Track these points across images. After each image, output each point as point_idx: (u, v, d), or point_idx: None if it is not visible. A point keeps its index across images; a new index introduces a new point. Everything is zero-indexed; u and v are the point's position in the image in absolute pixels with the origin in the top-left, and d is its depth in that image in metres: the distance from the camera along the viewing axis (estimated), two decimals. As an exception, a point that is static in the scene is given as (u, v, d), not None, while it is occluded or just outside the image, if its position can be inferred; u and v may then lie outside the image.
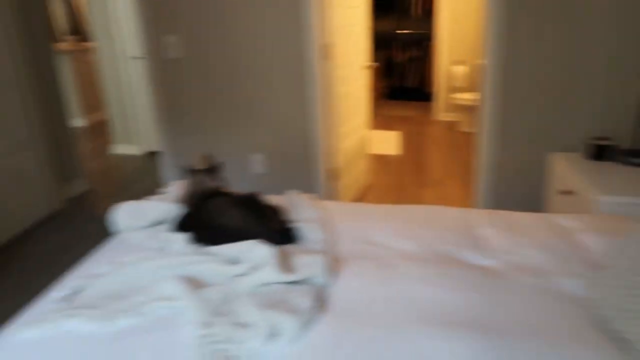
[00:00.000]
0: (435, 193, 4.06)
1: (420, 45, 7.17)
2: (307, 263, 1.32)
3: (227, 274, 1.32)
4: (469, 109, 5.73)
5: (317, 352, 1.08)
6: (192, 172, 1.79)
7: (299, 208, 1.75)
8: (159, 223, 1.68)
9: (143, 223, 1.64)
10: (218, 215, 1.52)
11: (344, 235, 1.63)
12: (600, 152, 2.42)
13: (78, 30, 6.07)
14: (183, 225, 1.61)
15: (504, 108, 2.79)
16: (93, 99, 6.25)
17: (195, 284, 1.27)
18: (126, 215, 1.68)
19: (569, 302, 1.25)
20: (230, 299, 1.23)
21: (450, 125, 6.14)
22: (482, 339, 1.10)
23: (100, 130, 5.81)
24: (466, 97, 5.63)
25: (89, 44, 6.13)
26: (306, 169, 3.20)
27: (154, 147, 4.95)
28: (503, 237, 1.63)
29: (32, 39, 3.34)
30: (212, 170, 1.80)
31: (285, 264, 1.29)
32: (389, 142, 5.36)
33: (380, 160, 4.84)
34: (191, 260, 1.38)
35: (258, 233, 1.47)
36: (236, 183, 3.28)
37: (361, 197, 3.93)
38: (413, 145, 5.38)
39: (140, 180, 4.30)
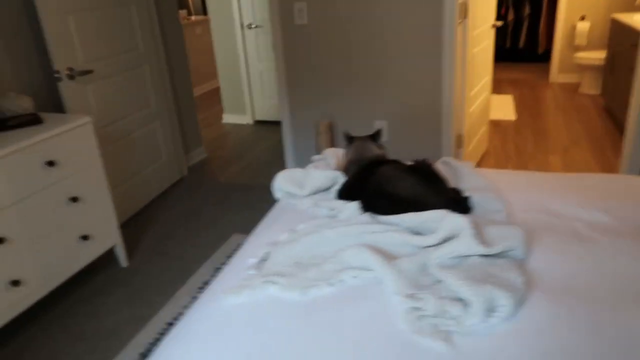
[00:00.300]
0: (563, 160, 3.77)
1: (533, 1, 6.61)
2: (504, 235, 1.23)
3: (416, 244, 1.26)
4: (593, 69, 5.23)
5: (534, 330, 1.00)
6: (355, 139, 1.74)
7: (463, 176, 1.65)
8: (321, 190, 1.66)
9: (306, 191, 1.63)
10: (389, 184, 1.46)
11: (521, 205, 1.51)
12: None
13: (182, 5, 6.24)
14: (347, 193, 1.58)
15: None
16: (202, 70, 6.46)
17: (382, 254, 1.23)
18: (288, 182, 1.68)
19: None
20: (426, 271, 1.18)
21: (569, 88, 5.66)
22: None
23: (210, 100, 6.00)
24: (590, 57, 5.13)
25: (193, 18, 6.32)
26: (432, 136, 3.07)
27: (263, 116, 5.03)
28: None
29: (162, 11, 3.44)
30: (375, 136, 1.74)
31: (480, 236, 1.21)
32: (502, 107, 5.04)
33: (495, 126, 4.57)
34: (373, 229, 1.34)
35: (433, 202, 1.39)
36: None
37: (479, 165, 3.74)
38: (528, 110, 5.02)
39: (253, 148, 4.39)
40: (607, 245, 1.28)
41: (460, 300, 1.06)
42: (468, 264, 1.17)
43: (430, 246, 1.25)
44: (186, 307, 2.28)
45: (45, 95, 2.63)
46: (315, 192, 1.65)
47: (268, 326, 1.06)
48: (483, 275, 1.10)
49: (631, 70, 3.78)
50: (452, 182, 1.60)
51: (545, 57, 6.72)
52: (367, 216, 1.42)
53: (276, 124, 4.97)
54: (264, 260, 1.28)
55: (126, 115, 3.06)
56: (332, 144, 3.19)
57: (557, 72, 5.85)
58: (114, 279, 2.55)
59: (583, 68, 5.34)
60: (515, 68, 6.62)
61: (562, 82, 5.85)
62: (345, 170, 1.67)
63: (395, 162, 1.56)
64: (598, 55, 5.07)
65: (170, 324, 2.17)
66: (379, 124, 3.12)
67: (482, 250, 1.18)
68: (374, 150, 1.69)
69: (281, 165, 3.92)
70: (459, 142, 3.12)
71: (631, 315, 1.02)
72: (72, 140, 2.21)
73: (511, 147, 4.07)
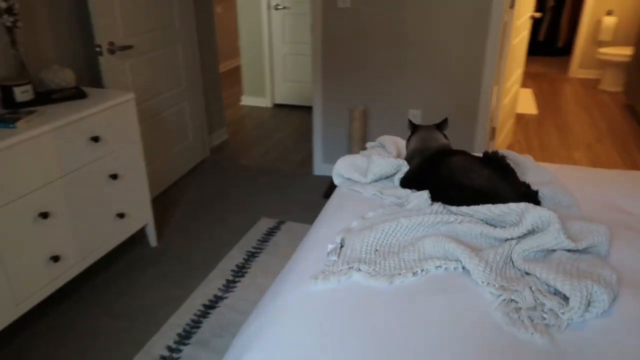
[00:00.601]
0: (587, 156, 3.77)
1: (556, -6, 6.55)
2: (587, 230, 1.21)
3: (496, 236, 1.25)
4: (615, 66, 5.20)
5: (626, 327, 0.99)
6: (420, 127, 1.72)
7: (528, 169, 1.63)
8: (383, 178, 1.64)
9: (369, 178, 1.61)
10: (463, 174, 1.44)
11: (588, 201, 1.50)
12: None
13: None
14: (412, 182, 1.56)
15: None
16: (220, 50, 6.38)
17: (464, 244, 1.21)
18: (349, 169, 1.66)
19: None
20: (510, 263, 1.17)
21: (589, 83, 5.63)
22: None
23: (227, 81, 5.93)
24: (615, 52, 5.10)
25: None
26: (466, 126, 3.05)
27: (283, 100, 4.98)
28: None
29: (192, -12, 3.38)
30: (441, 125, 1.72)
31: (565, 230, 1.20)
32: (523, 100, 5.01)
33: (518, 120, 4.55)
34: (448, 219, 1.32)
35: (507, 195, 1.38)
36: (388, 134, 3.20)
37: (508, 158, 3.72)
38: (549, 104, 5.00)
39: (275, 132, 4.35)
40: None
41: (555, 293, 1.05)
42: (553, 258, 1.16)
43: (511, 239, 1.23)
44: (221, 289, 2.27)
45: (83, 69, 2.58)
46: (378, 180, 1.63)
47: (359, 313, 1.04)
48: (576, 270, 1.09)
49: (663, 68, 3.75)
50: (519, 175, 1.58)
51: (564, 51, 6.68)
52: (439, 206, 1.41)
53: (296, 108, 4.93)
54: (341, 246, 1.27)
55: (159, 94, 3.01)
56: (366, 131, 3.16)
57: (577, 66, 5.82)
58: (145, 258, 2.53)
59: (605, 64, 5.30)
60: (534, 61, 6.58)
61: (582, 78, 5.82)
62: (409, 158, 1.65)
63: (464, 153, 1.54)
64: (624, 52, 5.03)
65: (206, 306, 2.16)
66: (413, 113, 3.10)
67: (570, 245, 1.16)
68: (440, 139, 1.66)
69: (306, 151, 3.89)
70: (492, 134, 3.09)
71: None
72: (115, 116, 2.17)
73: (535, 142, 4.05)
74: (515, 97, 3.62)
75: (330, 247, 1.27)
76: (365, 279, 1.14)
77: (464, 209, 1.37)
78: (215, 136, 4.01)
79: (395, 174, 1.62)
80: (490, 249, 1.20)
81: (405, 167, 1.61)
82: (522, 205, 1.27)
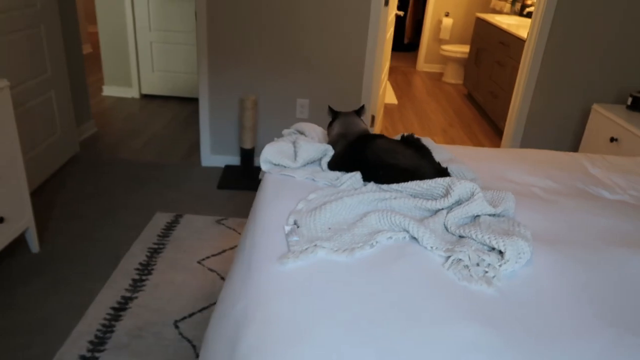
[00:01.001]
0: (444, 139, 4.29)
1: (401, -6, 7.21)
2: (499, 197, 1.45)
3: (429, 208, 1.42)
4: (455, 61, 5.95)
5: (547, 272, 1.23)
6: (340, 113, 1.82)
7: (432, 149, 1.85)
8: (311, 162, 1.72)
9: (298, 163, 1.68)
10: (389, 155, 1.59)
11: (484, 174, 1.77)
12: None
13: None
14: (340, 164, 1.67)
15: (545, 58, 3.00)
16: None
17: (406, 216, 1.36)
18: (278, 154, 1.70)
19: None
20: (446, 230, 1.34)
21: (434, 76, 6.35)
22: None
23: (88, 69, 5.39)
24: (454, 49, 5.83)
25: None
26: (351, 114, 3.26)
27: (152, 91, 4.72)
28: (617, 178, 1.85)
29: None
30: (359, 112, 1.84)
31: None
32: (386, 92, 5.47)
33: (383, 109, 4.96)
34: (384, 196, 1.46)
35: (427, 172, 1.56)
36: (279, 126, 3.28)
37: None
38: (406, 95, 5.54)
39: (149, 124, 4.13)
40: (565, 203, 1.59)
41: (491, 250, 1.25)
42: (480, 222, 1.36)
43: (441, 209, 1.41)
44: (128, 289, 2.15)
45: None
46: (305, 164, 1.71)
47: (334, 283, 1.12)
48: (502, 230, 1.30)
49: (497, 63, 4.43)
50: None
51: (409, 47, 7.41)
52: (372, 185, 1.54)
53: (167, 99, 4.72)
54: (297, 226, 1.32)
55: (22, 82, 2.67)
56: (256, 120, 3.19)
57: (423, 61, 6.51)
58: (28, 266, 2.27)
59: (447, 59, 6.03)
60: (386, 55, 7.17)
61: (428, 71, 6.53)
62: (333, 143, 1.75)
63: (384, 137, 1.69)
64: (461, 49, 5.78)
65: (116, 309, 2.03)
66: (301, 102, 3.21)
67: (491, 210, 1.38)
68: (360, 124, 1.79)
69: (188, 142, 3.78)
70: (372, 121, 3.36)
71: (610, 253, 1.31)
72: (-11, 106, 1.90)
73: (400, 128, 4.48)
74: (385, 88, 3.96)
75: (287, 228, 1.31)
76: (329, 254, 1.21)
77: (394, 186, 1.52)
78: (83, 129, 3.67)
79: (321, 158, 1.71)
80: (429, 219, 1.36)
81: (331, 152, 1.71)
82: (447, 179, 1.45)
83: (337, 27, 3.02)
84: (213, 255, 2.42)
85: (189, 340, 1.91)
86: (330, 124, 1.83)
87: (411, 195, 1.50)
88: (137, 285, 2.18)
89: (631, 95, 2.75)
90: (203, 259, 2.39)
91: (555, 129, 3.20)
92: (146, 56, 4.53)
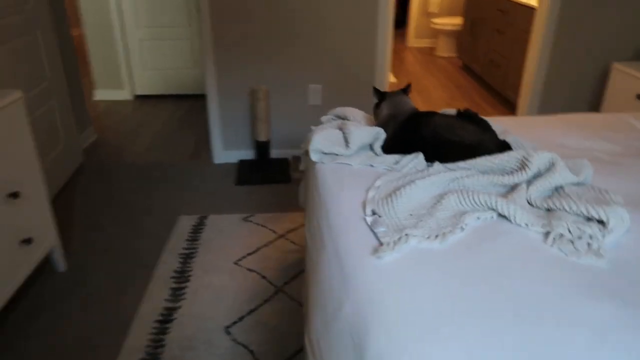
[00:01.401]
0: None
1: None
2: (574, 164, 1.39)
3: (506, 183, 1.35)
4: (447, 34, 5.87)
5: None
6: (387, 94, 1.73)
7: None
8: (361, 149, 1.63)
9: (352, 149, 1.59)
10: (451, 132, 1.51)
11: (542, 144, 1.70)
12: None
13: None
14: (396, 146, 1.59)
15: (560, 20, 2.94)
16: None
17: (491, 195, 1.29)
18: (329, 142, 1.61)
19: None
20: (531, 204, 1.28)
21: (426, 51, 6.27)
22: None
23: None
24: (446, 22, 5.75)
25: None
26: (365, 97, 3.17)
27: (145, 91, 4.56)
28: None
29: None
30: (407, 90, 1.75)
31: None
32: (380, 71, 5.37)
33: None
34: (455, 175, 1.38)
35: (491, 146, 1.49)
36: (292, 114, 3.18)
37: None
38: (402, 72, 5.46)
39: (149, 125, 3.98)
40: (632, 164, 1.53)
41: (588, 221, 1.18)
42: (567, 193, 1.29)
43: (518, 183, 1.34)
44: (169, 299, 2.05)
45: None
46: (359, 150, 1.62)
47: (435, 269, 1.05)
48: (594, 198, 1.24)
49: (497, 31, 4.36)
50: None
51: (396, 24, 7.29)
52: (438, 165, 1.46)
53: (162, 98, 4.56)
54: (378, 216, 1.24)
55: (25, 92, 2.51)
56: (269, 111, 3.08)
57: (413, 37, 6.42)
58: (59, 286, 2.14)
59: (438, 33, 5.95)
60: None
61: (419, 47, 6.45)
62: (383, 125, 1.67)
63: (438, 113, 1.61)
64: (454, 22, 5.70)
65: (161, 321, 1.93)
66: (314, 88, 3.11)
67: (575, 178, 1.32)
68: (410, 103, 1.71)
69: (193, 140, 3.64)
70: (385, 101, 3.28)
71: None
72: (2, 121, 1.76)
73: (404, 106, 4.39)
74: (389, 67, 3.87)
75: (369, 219, 1.23)
76: (421, 242, 1.14)
77: (461, 164, 1.44)
78: (84, 137, 3.51)
79: (374, 142, 1.63)
80: (511, 195, 1.29)
81: (383, 135, 1.62)
82: (522, 152, 1.38)
83: (346, 7, 2.91)
84: (249, 254, 2.32)
85: (244, 346, 1.82)
86: (378, 106, 1.74)
87: (481, 172, 1.42)
88: (177, 294, 2.08)
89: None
90: (239, 259, 2.29)
91: (573, 92, 3.16)
92: (136, 55, 4.36)
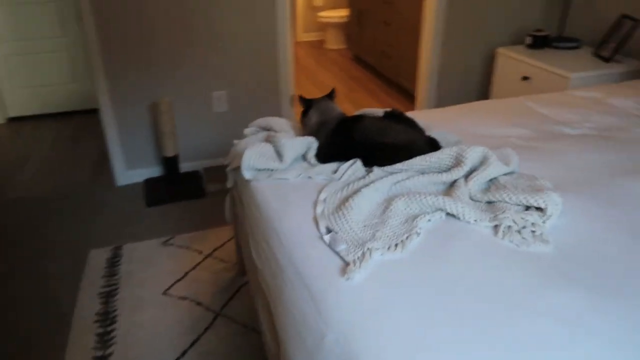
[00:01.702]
0: (354, 106, 4.31)
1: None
2: (502, 155, 1.46)
3: (444, 181, 1.38)
4: (334, 26, 5.98)
5: (580, 215, 1.26)
6: (314, 101, 1.68)
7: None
8: (297, 160, 1.59)
9: (286, 162, 1.53)
10: (383, 134, 1.51)
11: (460, 135, 1.77)
12: (539, 42, 2.94)
13: None
14: (330, 154, 1.56)
15: (447, 10, 3.11)
16: None
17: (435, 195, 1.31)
18: (262, 158, 1.53)
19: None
20: (473, 196, 1.32)
21: (315, 44, 6.33)
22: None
23: None
24: (333, 15, 5.84)
25: None
26: (271, 99, 3.12)
27: (21, 112, 4.07)
28: (566, 113, 1.98)
29: None
30: (332, 95, 1.72)
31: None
32: (275, 68, 5.32)
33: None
34: (395, 179, 1.39)
35: (421, 145, 1.53)
36: (198, 124, 3.03)
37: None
38: (298, 67, 5.45)
39: (32, 151, 3.55)
40: (546, 147, 1.66)
41: (527, 209, 1.25)
42: (502, 183, 1.36)
43: (456, 179, 1.39)
44: (97, 347, 1.85)
45: None
46: (294, 162, 1.57)
47: (401, 279, 1.06)
48: (527, 187, 1.32)
49: (384, 23, 4.52)
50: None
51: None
52: (377, 169, 1.46)
53: (42, 118, 4.10)
54: (335, 233, 1.20)
55: None
56: (175, 123, 2.89)
57: (302, 31, 6.45)
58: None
59: (325, 26, 6.03)
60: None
61: (308, 40, 6.49)
62: (314, 133, 1.63)
63: (366, 116, 1.61)
64: (340, 14, 5.80)
65: (97, 371, 1.74)
66: (217, 95, 2.98)
67: (507, 169, 1.39)
68: (337, 109, 1.68)
69: (87, 164, 3.33)
70: (292, 102, 3.24)
71: (621, 184, 1.39)
72: None
73: (306, 103, 4.39)
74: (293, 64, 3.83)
75: (327, 238, 1.19)
76: (383, 254, 1.13)
77: (398, 166, 1.46)
78: (-47, 174, 3.04)
79: (307, 152, 1.58)
80: (454, 191, 1.33)
81: (315, 143, 1.59)
82: (455, 149, 1.43)
83: (244, 7, 2.81)
84: (177, 281, 2.17)
85: (193, 382, 1.70)
86: (305, 114, 1.69)
87: (418, 171, 1.45)
88: (105, 339, 1.89)
89: (530, 35, 2.97)
90: (168, 289, 2.13)
91: (465, 78, 3.37)
92: (5, 73, 3.86)
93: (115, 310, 2.02)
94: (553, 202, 1.24)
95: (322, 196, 1.38)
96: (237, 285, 2.11)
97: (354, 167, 1.48)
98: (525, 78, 2.83)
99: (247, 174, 1.54)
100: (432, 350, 0.87)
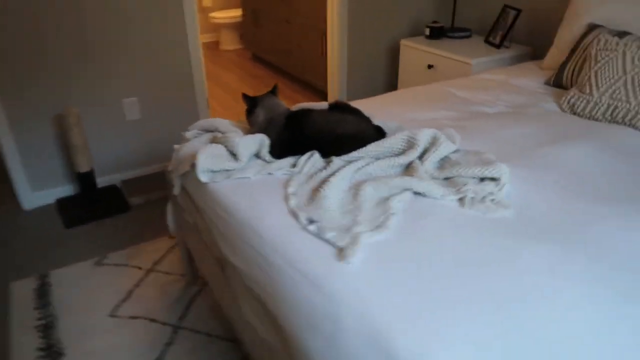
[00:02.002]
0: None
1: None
2: (449, 135, 1.59)
3: (401, 163, 1.47)
4: (228, 27, 5.91)
5: (523, 182, 1.42)
6: (258, 98, 1.67)
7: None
8: (251, 159, 1.58)
9: (243, 161, 1.52)
10: (334, 126, 1.56)
11: (398, 121, 1.89)
12: (436, 33, 3.19)
13: None
14: (284, 149, 1.58)
15: (349, 7, 3.26)
16: None
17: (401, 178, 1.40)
18: (216, 160, 1.51)
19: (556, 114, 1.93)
20: (431, 175, 1.43)
21: (212, 46, 6.21)
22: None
23: None
24: (225, 15, 5.77)
25: None
26: (188, 102, 3.03)
27: None
28: (481, 95, 2.19)
29: None
30: (275, 91, 1.72)
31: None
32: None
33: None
34: (357, 166, 1.46)
35: (370, 133, 1.61)
36: (110, 135, 2.85)
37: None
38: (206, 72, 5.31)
39: None
40: (474, 126, 1.83)
41: (481, 181, 1.39)
42: (454, 160, 1.49)
43: (411, 161, 1.49)
44: (43, 384, 1.70)
45: None
46: (249, 161, 1.56)
47: (393, 256, 1.12)
48: (477, 161, 1.45)
49: (285, 21, 4.58)
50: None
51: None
52: (336, 159, 1.51)
53: None
54: (317, 223, 1.23)
55: None
56: (86, 136, 2.69)
57: (194, 33, 6.27)
58: None
59: (219, 27, 5.94)
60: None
61: (203, 42, 6.33)
62: (264, 130, 1.63)
63: (313, 110, 1.65)
64: (231, 14, 5.75)
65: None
66: (129, 102, 2.82)
67: (455, 147, 1.52)
68: (282, 104, 1.69)
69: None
70: (207, 104, 3.18)
71: (549, 152, 1.58)
72: None
73: (229, 103, 4.32)
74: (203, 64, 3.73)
75: (312, 228, 1.22)
76: (370, 236, 1.19)
77: (354, 154, 1.52)
78: None
79: (260, 150, 1.59)
80: (414, 172, 1.42)
81: (267, 140, 1.59)
82: (405, 133, 1.53)
83: (150, 10, 2.70)
84: (123, 302, 2.05)
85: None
86: (251, 112, 1.68)
87: (374, 157, 1.53)
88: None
89: (428, 26, 3.20)
90: (114, 310, 2.00)
91: (372, 72, 3.54)
92: None
93: (59, 343, 1.85)
94: (504, 171, 1.39)
95: (291, 190, 1.40)
96: (189, 296, 2.05)
97: (313, 159, 1.52)
98: (430, 66, 3.06)
99: (203, 177, 1.50)
100: (453, 317, 0.95)
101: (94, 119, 2.76)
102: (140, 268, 2.23)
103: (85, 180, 2.71)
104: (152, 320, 1.94)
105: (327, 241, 1.18)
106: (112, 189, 2.87)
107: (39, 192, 2.75)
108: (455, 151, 1.56)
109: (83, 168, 2.66)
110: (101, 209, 2.68)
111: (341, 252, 1.13)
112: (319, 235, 1.20)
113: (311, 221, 1.25)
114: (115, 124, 2.84)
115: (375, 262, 1.11)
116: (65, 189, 2.83)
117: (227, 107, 4.28)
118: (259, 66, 5.40)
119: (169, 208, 1.99)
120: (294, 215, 1.29)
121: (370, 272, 1.08)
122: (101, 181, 2.88)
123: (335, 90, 3.55)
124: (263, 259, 1.22)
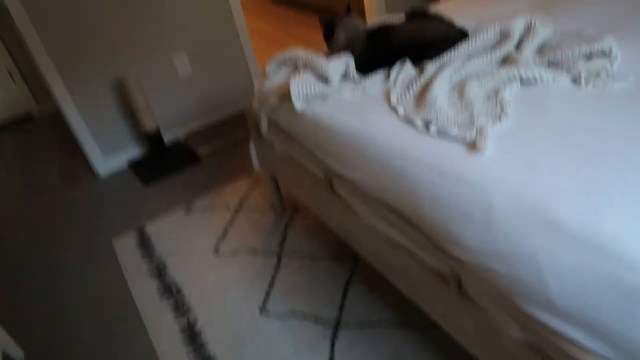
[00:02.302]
0: (308, 44, 4.23)
1: None
2: (541, 19, 1.53)
3: (500, 56, 1.44)
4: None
5: (628, 56, 1.37)
6: (340, 21, 1.63)
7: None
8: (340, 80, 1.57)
9: (335, 83, 1.51)
10: (418, 34, 1.53)
11: (479, 19, 1.80)
12: None
13: None
14: (371, 64, 1.56)
15: None
16: None
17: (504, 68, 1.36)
18: (309, 85, 1.50)
19: None
20: (536, 62, 1.40)
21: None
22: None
23: None
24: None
25: None
26: (236, 53, 3.01)
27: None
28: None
29: None
30: (349, 12, 1.68)
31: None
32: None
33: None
34: (454, 67, 1.43)
35: (455, 34, 1.56)
36: (166, 96, 2.87)
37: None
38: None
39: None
40: (552, 11, 1.73)
41: (589, 59, 1.34)
42: (552, 44, 1.44)
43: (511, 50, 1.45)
44: (174, 318, 1.79)
45: None
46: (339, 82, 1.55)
47: (537, 143, 1.10)
48: (581, 38, 1.40)
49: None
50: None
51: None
52: (430, 64, 1.48)
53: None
54: (434, 124, 1.23)
55: None
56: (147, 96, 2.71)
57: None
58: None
59: None
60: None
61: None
62: (347, 50, 1.60)
63: (391, 24, 1.60)
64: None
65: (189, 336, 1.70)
66: (178, 59, 2.81)
67: (551, 30, 1.47)
68: (360, 22, 1.65)
69: (56, 163, 3.07)
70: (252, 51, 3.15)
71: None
72: None
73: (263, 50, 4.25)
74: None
75: (432, 128, 1.22)
76: (493, 127, 1.17)
77: (446, 57, 1.49)
78: None
79: (347, 70, 1.57)
80: (515, 62, 1.39)
81: (351, 60, 1.56)
82: (497, 24, 1.48)
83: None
84: (221, 240, 2.11)
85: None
86: (330, 35, 1.65)
87: (466, 57, 1.49)
88: (181, 310, 1.82)
89: None
90: (215, 248, 2.08)
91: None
92: None
93: (174, 282, 1.95)
94: (612, 43, 1.33)
95: (394, 100, 1.39)
96: (282, 225, 2.10)
97: (405, 69, 1.49)
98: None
99: (299, 105, 1.51)
100: (598, 176, 0.95)
101: (148, 81, 2.77)
102: (228, 208, 2.30)
103: (153, 138, 2.76)
104: (254, 252, 2.00)
105: (454, 138, 1.17)
106: (177, 145, 2.92)
107: (111, 158, 2.83)
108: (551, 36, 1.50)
109: (150, 126, 2.70)
110: (173, 163, 2.74)
111: (473, 145, 1.12)
112: (441, 133, 1.20)
113: (428, 123, 1.25)
114: (167, 83, 2.85)
115: (508, 148, 1.10)
116: (134, 152, 2.89)
117: (267, 51, 4.23)
118: (282, 7, 5.26)
119: (252, 146, 2.01)
120: (408, 121, 1.29)
121: (508, 157, 1.07)
122: (166, 137, 2.92)
123: (374, 8, 3.44)
124: (390, 167, 1.23)
